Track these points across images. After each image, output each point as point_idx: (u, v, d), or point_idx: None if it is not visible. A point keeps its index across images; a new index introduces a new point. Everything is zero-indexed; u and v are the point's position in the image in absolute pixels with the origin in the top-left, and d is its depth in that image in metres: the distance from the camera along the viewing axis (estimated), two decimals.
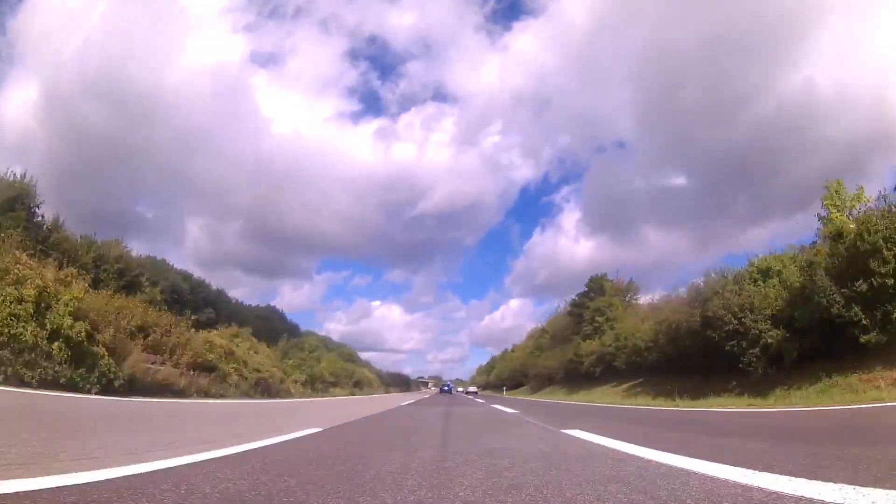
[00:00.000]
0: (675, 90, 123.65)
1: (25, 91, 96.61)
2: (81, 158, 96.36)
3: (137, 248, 37.54)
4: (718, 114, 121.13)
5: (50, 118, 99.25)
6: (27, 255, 12.13)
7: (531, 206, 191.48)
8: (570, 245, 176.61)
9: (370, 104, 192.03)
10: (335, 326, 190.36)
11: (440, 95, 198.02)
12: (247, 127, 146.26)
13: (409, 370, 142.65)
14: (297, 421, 8.01)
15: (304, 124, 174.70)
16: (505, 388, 67.95)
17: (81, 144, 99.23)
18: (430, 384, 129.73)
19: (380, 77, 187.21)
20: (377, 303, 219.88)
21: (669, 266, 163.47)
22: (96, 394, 10.23)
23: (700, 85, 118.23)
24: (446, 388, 68.91)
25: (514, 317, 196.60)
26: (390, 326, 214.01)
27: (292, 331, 51.02)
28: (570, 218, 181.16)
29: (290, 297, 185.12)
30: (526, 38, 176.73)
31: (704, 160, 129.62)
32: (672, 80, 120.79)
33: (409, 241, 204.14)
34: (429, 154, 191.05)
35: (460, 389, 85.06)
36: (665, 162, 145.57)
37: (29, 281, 10.32)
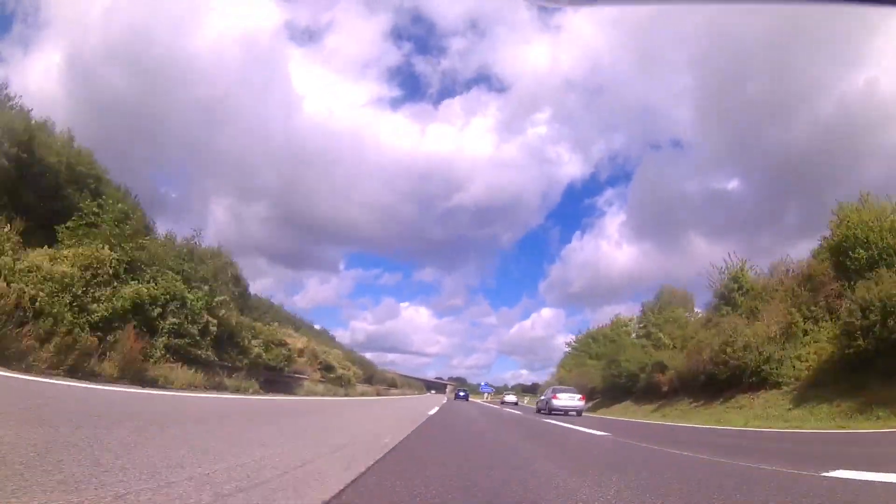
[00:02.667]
0: (736, 84, 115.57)
1: (50, 58, 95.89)
2: (105, 131, 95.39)
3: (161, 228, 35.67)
4: (777, 112, 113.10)
5: (73, 87, 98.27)
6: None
7: (574, 208, 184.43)
8: (611, 252, 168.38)
9: (410, 86, 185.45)
10: (361, 325, 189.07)
11: (485, 78, 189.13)
12: (277, 103, 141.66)
13: (432, 374, 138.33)
14: None
15: (338, 104, 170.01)
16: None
17: (105, 116, 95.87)
18: (447, 388, 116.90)
19: (422, 57, 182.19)
20: (405, 304, 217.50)
21: (711, 280, 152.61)
22: None
23: (760, 79, 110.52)
24: (462, 394, 61.28)
25: (544, 327, 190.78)
26: (417, 329, 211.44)
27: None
28: (613, 223, 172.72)
29: (316, 292, 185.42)
30: (580, 17, 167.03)
31: (759, 163, 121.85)
32: (733, 72, 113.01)
33: (441, 238, 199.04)
34: (469, 142, 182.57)
35: (510, 400, 51.12)
36: (719, 163, 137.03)
37: None
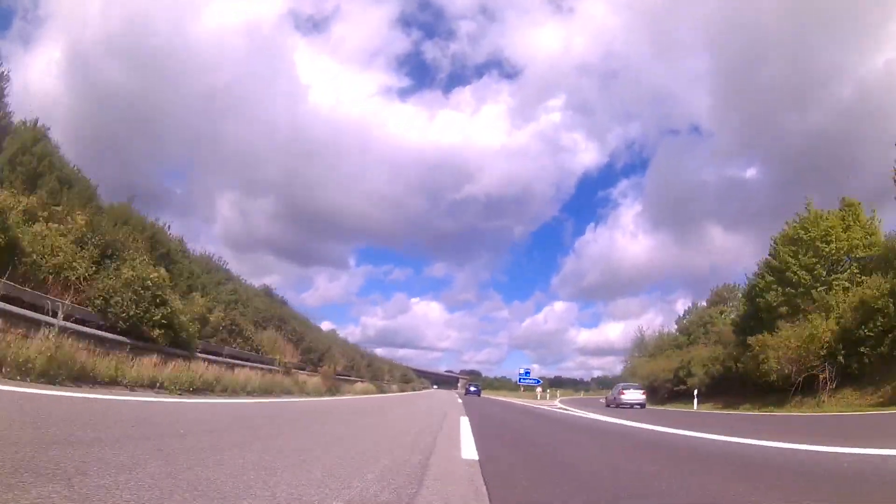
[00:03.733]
0: (753, 67, 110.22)
1: (50, 53, 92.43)
2: (107, 127, 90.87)
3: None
4: (796, 96, 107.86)
5: (74, 83, 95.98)
6: None
7: (589, 198, 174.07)
8: (626, 244, 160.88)
9: (419, 75, 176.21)
10: (372, 321, 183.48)
11: (496, 63, 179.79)
12: (282, 95, 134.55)
13: (443, 368, 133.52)
14: None
15: (345, 95, 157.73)
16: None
17: (107, 111, 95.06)
18: (459, 383, 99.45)
19: (431, 42, 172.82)
20: (416, 299, 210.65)
21: (725, 273, 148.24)
22: None
23: (778, 63, 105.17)
24: (474, 389, 53.06)
25: (557, 321, 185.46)
26: (428, 324, 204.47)
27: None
28: (629, 213, 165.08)
29: (326, 288, 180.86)
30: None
31: (777, 149, 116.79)
32: (750, 55, 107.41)
33: (453, 230, 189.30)
34: (480, 131, 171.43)
35: (634, 398, 26.20)
36: (737, 150, 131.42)
37: None
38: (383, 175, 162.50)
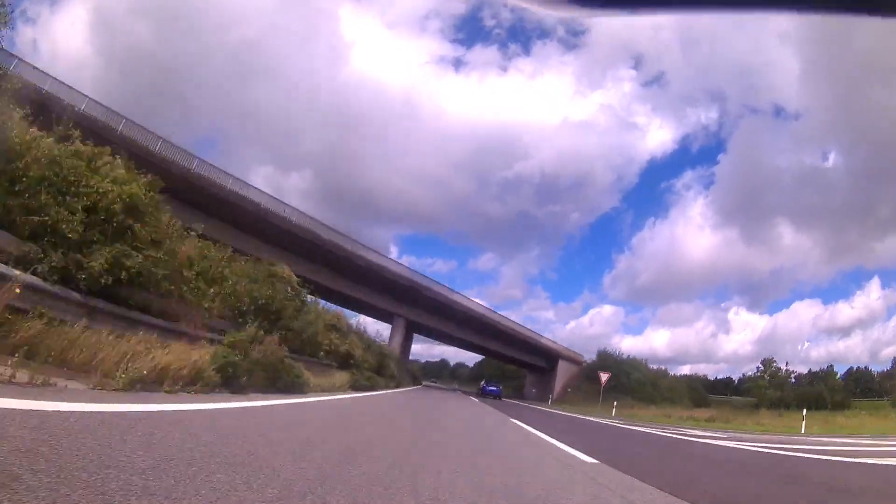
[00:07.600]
0: (843, 29, 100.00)
1: (76, 13, 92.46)
2: (135, 90, 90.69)
3: None
4: (882, 69, 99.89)
5: (101, 44, 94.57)
6: None
7: (653, 186, 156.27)
8: (687, 242, 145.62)
9: (473, 39, 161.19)
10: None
11: (561, 21, 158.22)
12: (322, 60, 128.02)
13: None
14: None
15: (393, 61, 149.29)
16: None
17: (134, 73, 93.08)
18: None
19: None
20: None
21: (787, 277, 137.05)
22: None
23: (868, 25, 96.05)
24: (493, 389, 47.35)
25: (603, 324, 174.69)
26: None
27: None
28: (695, 207, 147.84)
29: None
30: None
31: (860, 133, 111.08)
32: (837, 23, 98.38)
33: (502, 216, 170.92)
34: (538, 101, 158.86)
35: None
36: (823, 131, 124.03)
37: None
38: (430, 150, 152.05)
